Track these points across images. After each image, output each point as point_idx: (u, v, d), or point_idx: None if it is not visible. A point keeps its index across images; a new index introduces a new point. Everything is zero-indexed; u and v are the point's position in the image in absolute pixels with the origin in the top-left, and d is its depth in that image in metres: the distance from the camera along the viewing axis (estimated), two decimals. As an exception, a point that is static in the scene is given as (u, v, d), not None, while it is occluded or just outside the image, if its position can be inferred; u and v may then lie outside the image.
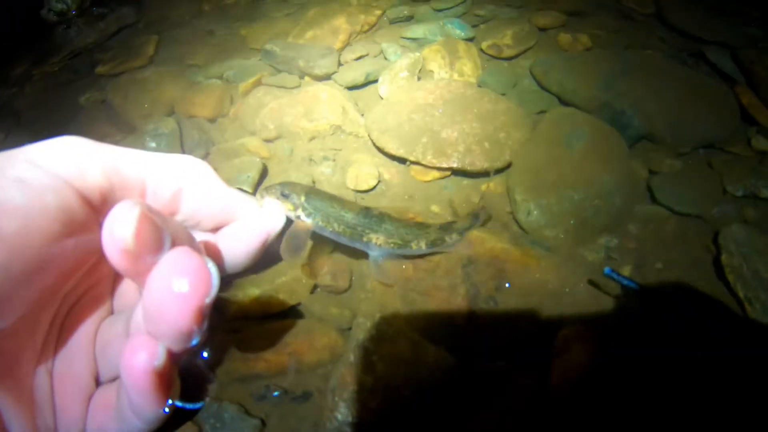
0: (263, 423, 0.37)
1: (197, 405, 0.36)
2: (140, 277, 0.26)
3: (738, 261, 0.50)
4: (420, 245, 0.43)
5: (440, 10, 0.82)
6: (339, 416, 0.36)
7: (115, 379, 0.31)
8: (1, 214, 0.22)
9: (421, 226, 0.44)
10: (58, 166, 0.26)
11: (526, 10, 0.83)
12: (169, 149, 0.61)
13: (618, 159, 0.57)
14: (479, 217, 0.47)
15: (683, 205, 0.54)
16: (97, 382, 0.31)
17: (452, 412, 0.37)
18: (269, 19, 0.84)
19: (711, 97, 0.67)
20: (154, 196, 0.31)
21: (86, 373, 0.30)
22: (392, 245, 0.42)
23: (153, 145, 0.62)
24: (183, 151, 0.60)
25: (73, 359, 0.30)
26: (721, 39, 0.78)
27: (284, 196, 0.41)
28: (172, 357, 0.26)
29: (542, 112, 0.64)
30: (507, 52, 0.73)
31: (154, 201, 0.31)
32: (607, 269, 0.42)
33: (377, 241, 0.42)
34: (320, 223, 0.41)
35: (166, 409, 0.28)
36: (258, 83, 0.69)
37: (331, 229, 0.41)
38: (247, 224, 0.36)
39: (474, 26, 0.78)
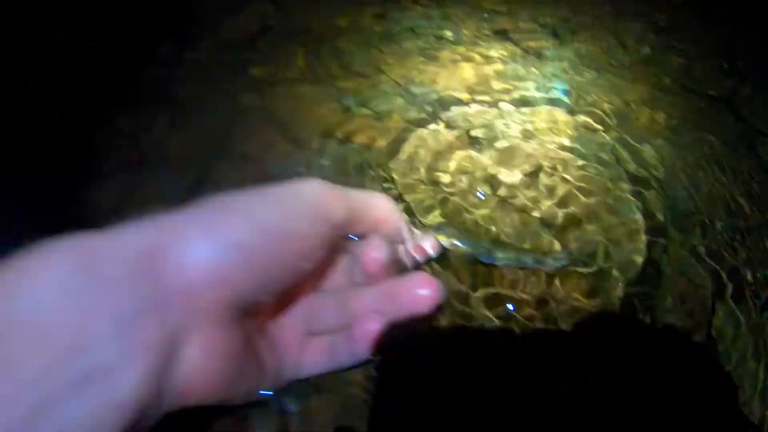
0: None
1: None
2: (376, 279, 0.40)
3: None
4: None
5: (551, 78, 0.97)
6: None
7: (319, 334, 0.42)
8: (292, 237, 0.31)
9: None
10: (319, 205, 0.34)
11: (616, 81, 0.98)
12: (337, 170, 0.80)
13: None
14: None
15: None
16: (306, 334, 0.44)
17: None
18: (403, 51, 1.00)
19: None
20: (366, 224, 0.41)
21: (300, 327, 0.40)
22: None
23: (324, 163, 0.81)
24: (349, 174, 0.80)
25: (293, 318, 0.41)
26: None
27: (438, 231, 0.61)
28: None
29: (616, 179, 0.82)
30: (595, 125, 0.89)
31: (365, 226, 0.41)
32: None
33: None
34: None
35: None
36: (401, 120, 0.87)
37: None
38: (416, 250, 0.46)
39: (572, 94, 0.94)
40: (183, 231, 0.23)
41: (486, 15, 1.11)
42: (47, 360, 0.17)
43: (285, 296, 0.35)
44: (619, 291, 0.68)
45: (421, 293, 0.35)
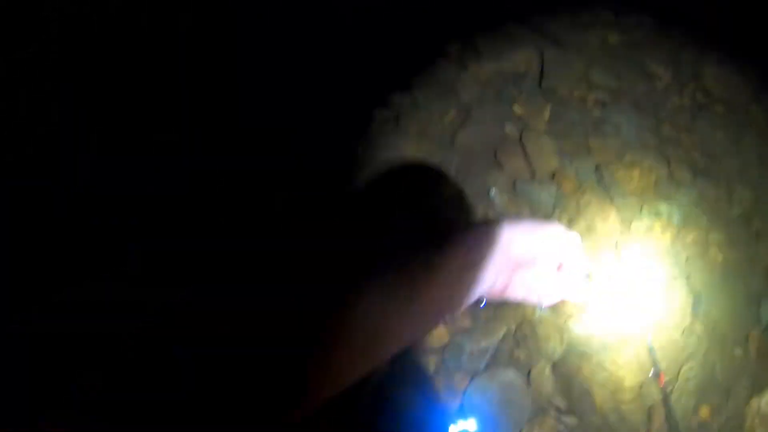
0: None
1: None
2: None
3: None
4: None
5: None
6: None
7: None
8: (523, 254, 0.42)
9: None
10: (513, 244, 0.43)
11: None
12: (550, 208, 0.85)
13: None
14: None
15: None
16: None
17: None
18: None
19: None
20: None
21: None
22: None
23: (545, 198, 0.86)
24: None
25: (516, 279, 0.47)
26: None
27: None
28: None
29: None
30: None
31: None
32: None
33: None
34: None
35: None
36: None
37: None
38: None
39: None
40: (514, 233, 0.42)
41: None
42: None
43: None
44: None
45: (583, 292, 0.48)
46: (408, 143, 0.91)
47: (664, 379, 0.68)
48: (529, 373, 0.71)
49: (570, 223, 0.85)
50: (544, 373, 0.71)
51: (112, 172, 0.76)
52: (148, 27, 0.96)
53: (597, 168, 0.92)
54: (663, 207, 0.87)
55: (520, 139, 0.93)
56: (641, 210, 0.87)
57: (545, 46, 1.07)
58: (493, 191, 0.87)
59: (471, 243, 0.43)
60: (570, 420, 0.68)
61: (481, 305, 0.51)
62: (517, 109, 0.99)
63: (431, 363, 0.72)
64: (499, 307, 0.73)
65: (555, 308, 0.69)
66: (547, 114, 0.99)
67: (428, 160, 0.90)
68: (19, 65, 0.83)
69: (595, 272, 0.67)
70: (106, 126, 0.81)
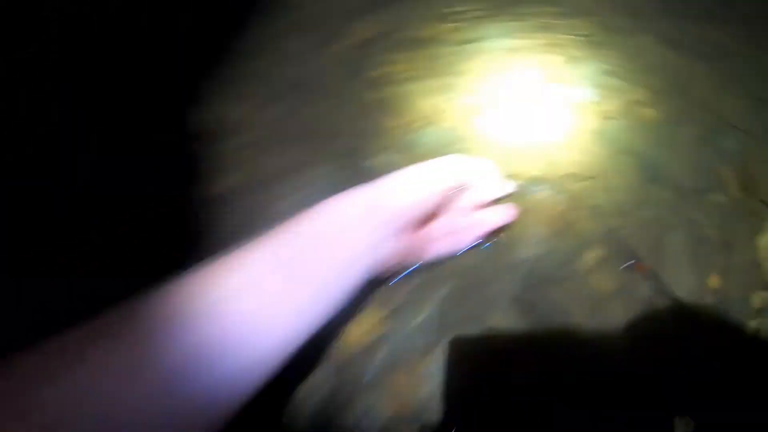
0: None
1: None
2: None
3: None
4: None
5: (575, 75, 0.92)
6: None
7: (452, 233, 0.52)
8: (402, 205, 0.39)
9: None
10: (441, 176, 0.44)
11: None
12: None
13: None
14: None
15: None
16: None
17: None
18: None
19: None
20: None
21: (443, 230, 0.50)
22: None
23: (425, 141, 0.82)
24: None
25: (438, 225, 0.50)
26: None
27: None
28: None
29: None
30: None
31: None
32: None
33: None
34: None
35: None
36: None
37: None
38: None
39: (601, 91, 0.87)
40: (391, 189, 0.40)
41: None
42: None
43: (433, 215, 0.47)
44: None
45: (506, 214, 0.53)
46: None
47: (645, 268, 0.58)
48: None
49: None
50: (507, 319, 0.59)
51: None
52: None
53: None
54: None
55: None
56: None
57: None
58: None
59: (321, 212, 0.37)
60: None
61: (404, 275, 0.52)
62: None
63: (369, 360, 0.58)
64: (433, 268, 0.57)
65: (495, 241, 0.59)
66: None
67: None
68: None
69: (513, 184, 0.62)
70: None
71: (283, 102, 0.90)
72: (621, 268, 0.59)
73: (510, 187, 0.58)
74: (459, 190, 0.47)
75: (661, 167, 0.73)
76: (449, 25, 1.10)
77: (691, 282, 0.60)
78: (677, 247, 0.63)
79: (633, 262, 0.59)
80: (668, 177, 0.71)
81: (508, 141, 0.82)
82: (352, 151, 0.83)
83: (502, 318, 0.56)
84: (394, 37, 1.08)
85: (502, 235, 0.58)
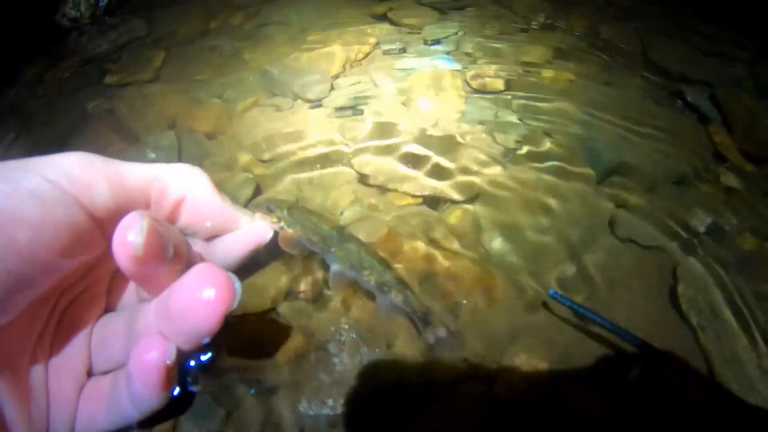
0: (229, 414, 0.43)
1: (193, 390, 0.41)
2: (145, 282, 0.31)
3: (693, 292, 0.56)
4: (370, 278, 0.47)
5: (431, 44, 0.91)
6: (300, 409, 0.43)
7: (108, 371, 0.36)
8: (15, 225, 0.26)
9: (382, 263, 0.49)
10: (68, 182, 0.29)
11: (513, 46, 0.92)
12: (168, 161, 0.69)
13: (585, 192, 0.65)
14: (429, 325, 0.47)
15: (645, 239, 0.61)
16: (89, 374, 0.36)
17: (404, 412, 0.43)
18: (271, 41, 0.94)
19: (684, 135, 0.74)
20: (157, 206, 0.35)
21: (80, 365, 0.34)
22: (348, 265, 0.48)
23: (153, 156, 0.70)
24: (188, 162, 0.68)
25: (69, 351, 0.35)
26: (703, 78, 0.85)
27: (270, 210, 0.48)
28: (181, 355, 0.31)
29: (519, 142, 0.71)
30: (491, 87, 0.81)
31: (156, 211, 0.35)
32: (551, 291, 0.48)
33: (337, 254, 0.49)
34: (298, 232, 0.48)
35: (165, 399, 0.33)
36: (255, 104, 0.78)
37: (307, 239, 0.49)
38: (241, 236, 0.41)
39: (462, 60, 0.87)
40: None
41: (363, 2, 1.07)
42: None
43: (33, 317, 0.30)
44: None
45: (203, 297, 0.28)
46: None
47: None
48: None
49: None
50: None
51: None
52: None
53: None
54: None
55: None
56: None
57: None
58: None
59: None
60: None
61: None
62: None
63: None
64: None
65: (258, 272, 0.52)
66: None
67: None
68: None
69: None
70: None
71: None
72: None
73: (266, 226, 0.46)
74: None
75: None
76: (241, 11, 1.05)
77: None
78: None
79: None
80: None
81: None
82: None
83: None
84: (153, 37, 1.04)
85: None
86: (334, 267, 0.49)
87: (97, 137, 0.79)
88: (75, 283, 0.35)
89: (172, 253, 0.31)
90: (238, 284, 0.30)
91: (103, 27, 1.10)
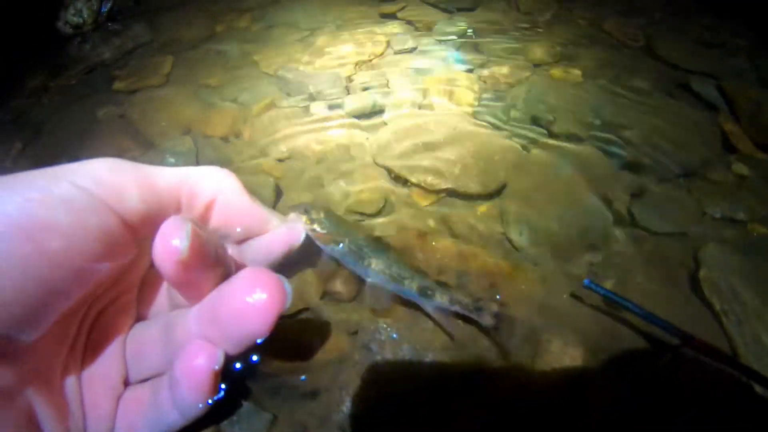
0: (275, 417, 0.44)
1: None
2: (187, 288, 0.31)
3: (715, 276, 0.57)
4: (411, 286, 0.47)
5: (442, 42, 0.92)
6: (345, 410, 0.43)
7: (145, 380, 0.36)
8: (47, 233, 0.26)
9: (419, 271, 0.49)
10: (97, 188, 0.29)
11: (522, 43, 0.93)
12: (188, 165, 0.69)
13: (602, 184, 0.66)
14: (482, 310, 0.47)
15: (663, 227, 0.62)
16: (125, 384, 0.36)
17: (444, 406, 0.44)
18: (281, 43, 0.94)
19: (694, 126, 0.76)
20: (187, 209, 0.35)
21: (116, 375, 0.34)
22: (387, 276, 0.48)
23: (172, 161, 0.70)
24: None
25: (102, 362, 0.34)
26: (707, 70, 0.87)
27: (306, 212, 0.49)
28: (228, 359, 0.32)
29: (533, 141, 0.72)
30: (503, 84, 0.82)
31: (187, 214, 0.35)
32: (586, 281, 0.49)
33: (375, 267, 0.48)
34: (331, 236, 0.49)
35: (210, 402, 0.33)
36: (270, 106, 0.78)
37: (340, 246, 0.49)
38: (273, 238, 0.41)
39: (473, 59, 0.88)
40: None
41: (368, 1, 1.08)
42: None
43: (65, 327, 0.29)
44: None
45: (255, 300, 0.28)
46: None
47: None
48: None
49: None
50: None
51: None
52: None
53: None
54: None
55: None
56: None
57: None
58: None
59: None
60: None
61: None
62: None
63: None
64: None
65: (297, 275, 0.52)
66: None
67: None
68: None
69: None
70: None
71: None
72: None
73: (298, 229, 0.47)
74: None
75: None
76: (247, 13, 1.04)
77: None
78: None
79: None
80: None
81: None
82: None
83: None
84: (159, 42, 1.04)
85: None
86: (371, 279, 0.49)
87: (112, 143, 0.78)
88: (104, 293, 0.35)
89: (215, 257, 0.31)
90: (288, 286, 0.31)
91: (105, 33, 1.09)
